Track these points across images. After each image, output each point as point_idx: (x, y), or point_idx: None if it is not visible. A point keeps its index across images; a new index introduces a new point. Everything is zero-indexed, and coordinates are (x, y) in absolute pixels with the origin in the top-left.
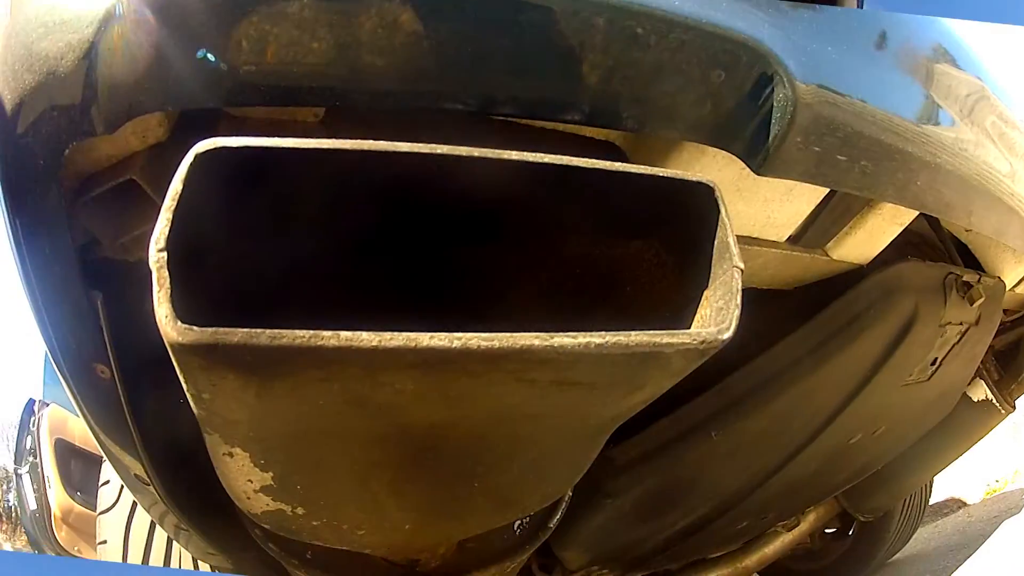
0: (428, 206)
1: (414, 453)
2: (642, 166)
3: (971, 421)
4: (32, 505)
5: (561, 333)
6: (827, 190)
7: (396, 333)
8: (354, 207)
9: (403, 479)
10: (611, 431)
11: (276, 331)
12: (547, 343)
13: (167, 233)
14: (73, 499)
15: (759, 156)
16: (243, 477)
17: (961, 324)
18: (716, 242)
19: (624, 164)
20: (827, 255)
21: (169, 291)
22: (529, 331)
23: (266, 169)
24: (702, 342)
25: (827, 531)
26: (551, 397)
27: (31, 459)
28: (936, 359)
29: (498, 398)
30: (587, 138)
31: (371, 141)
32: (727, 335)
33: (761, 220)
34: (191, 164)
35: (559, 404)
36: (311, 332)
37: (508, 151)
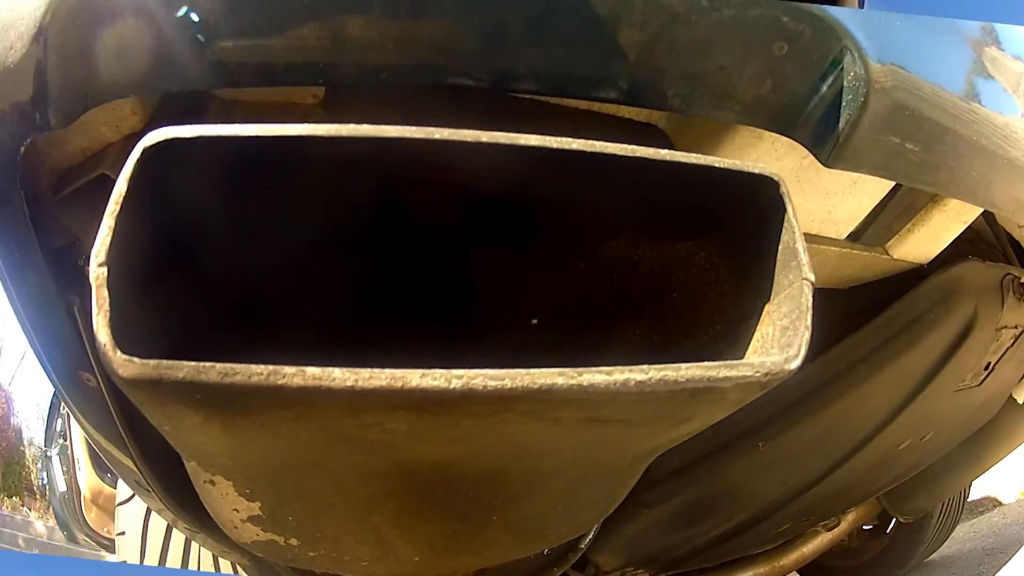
0: (438, 200)
1: (420, 486)
2: (694, 154)
3: (1016, 423)
4: (62, 487)
5: (591, 368)
6: (893, 183)
7: (377, 371)
8: (350, 200)
9: (409, 512)
10: (651, 460)
11: (228, 366)
12: (574, 382)
13: (108, 245)
14: (103, 481)
15: (827, 145)
16: (228, 506)
17: (1016, 328)
18: (780, 247)
19: (671, 152)
20: (888, 253)
21: (109, 314)
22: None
23: (253, 159)
24: (766, 374)
25: (864, 528)
26: (579, 434)
27: (61, 441)
28: (989, 364)
29: (513, 437)
30: (625, 119)
31: (353, 125)
32: (795, 364)
33: (821, 215)
34: (138, 161)
35: (589, 440)
36: (270, 368)
37: (525, 135)
